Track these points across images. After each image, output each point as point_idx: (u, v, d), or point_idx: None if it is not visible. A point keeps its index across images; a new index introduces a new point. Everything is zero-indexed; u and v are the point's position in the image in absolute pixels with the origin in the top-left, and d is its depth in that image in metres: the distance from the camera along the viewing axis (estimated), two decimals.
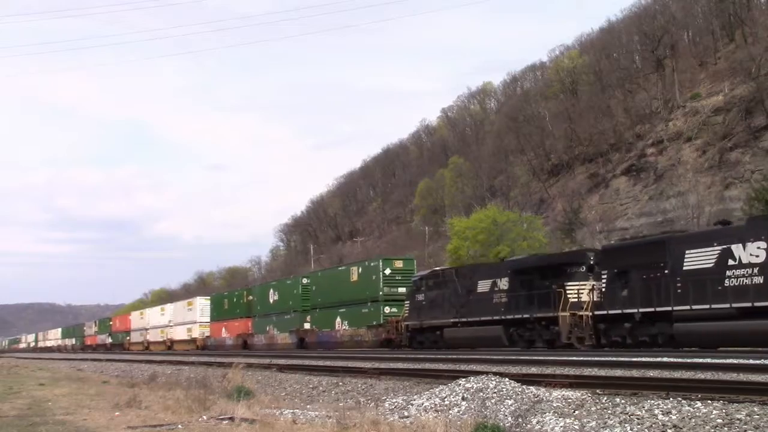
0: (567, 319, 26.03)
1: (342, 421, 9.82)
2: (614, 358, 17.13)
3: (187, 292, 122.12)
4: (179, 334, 66.82)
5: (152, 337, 74.10)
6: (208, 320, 61.75)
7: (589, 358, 17.66)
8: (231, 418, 10.58)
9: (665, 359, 16.23)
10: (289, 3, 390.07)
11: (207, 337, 60.71)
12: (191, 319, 64.53)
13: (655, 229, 47.25)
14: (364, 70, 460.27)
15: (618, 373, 13.86)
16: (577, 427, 9.33)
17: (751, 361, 14.31)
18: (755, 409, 8.78)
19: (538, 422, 9.76)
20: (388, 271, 38.14)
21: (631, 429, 8.89)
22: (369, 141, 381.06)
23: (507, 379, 12.29)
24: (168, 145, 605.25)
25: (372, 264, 39.68)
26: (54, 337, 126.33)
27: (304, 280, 47.13)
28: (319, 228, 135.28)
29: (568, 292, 26.43)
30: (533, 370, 15.32)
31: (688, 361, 15.20)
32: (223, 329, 57.99)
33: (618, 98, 78.94)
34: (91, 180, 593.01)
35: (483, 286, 30.40)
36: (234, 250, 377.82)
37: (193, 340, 62.79)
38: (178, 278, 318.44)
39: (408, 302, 34.89)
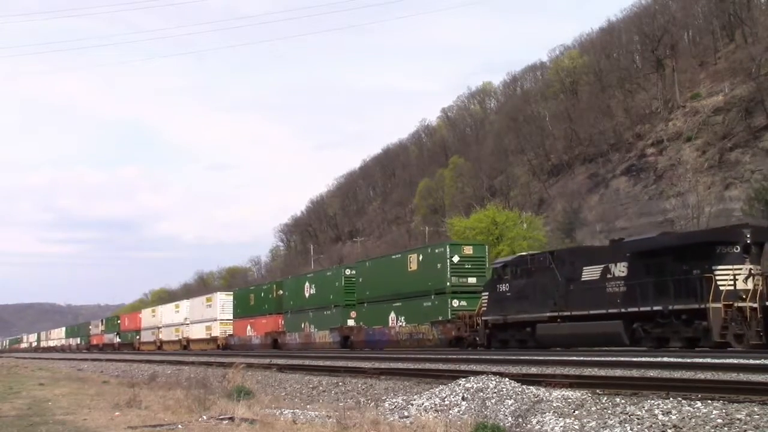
0: (721, 312, 21.18)
1: (342, 421, 9.82)
2: (614, 358, 17.13)
3: (187, 292, 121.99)
4: (197, 332, 62.86)
5: (166, 336, 70.34)
6: (230, 317, 57.33)
7: (589, 358, 17.66)
8: (231, 418, 10.58)
9: (665, 359, 16.23)
10: (290, 3, 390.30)
11: (230, 335, 56.62)
12: (210, 317, 60.32)
13: (656, 230, 47.19)
14: (364, 70, 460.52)
15: (618, 373, 13.86)
16: (577, 427, 9.33)
17: (751, 361, 14.30)
18: (755, 409, 8.77)
19: (538, 422, 9.76)
20: (456, 259, 32.96)
21: (631, 429, 8.89)
22: (369, 141, 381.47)
23: (507, 379, 12.29)
24: (169, 145, 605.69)
25: (437, 250, 34.22)
26: (57, 336, 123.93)
27: (348, 271, 42.23)
28: (319, 228, 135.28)
29: (719, 278, 21.51)
30: (533, 370, 15.32)
31: (688, 361, 15.20)
32: (249, 327, 53.39)
33: (618, 98, 78.99)
34: (92, 180, 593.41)
35: (590, 272, 25.35)
36: (234, 250, 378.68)
37: (213, 339, 58.88)
38: (178, 278, 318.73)
39: (486, 294, 29.81)
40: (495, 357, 21.14)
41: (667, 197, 61.18)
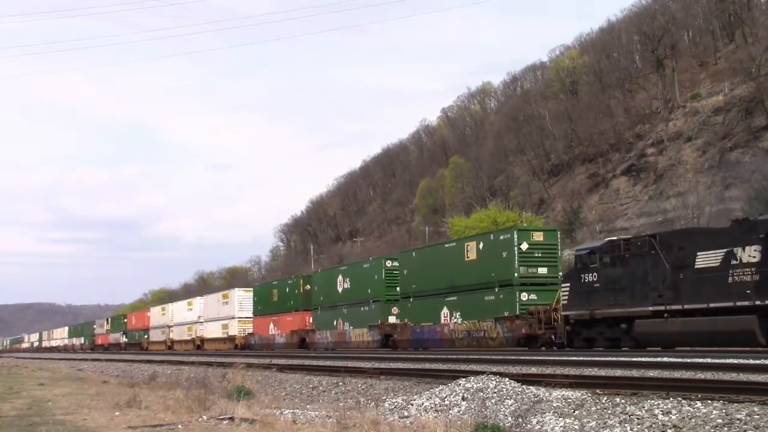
0: None
1: (342, 421, 9.82)
2: (614, 358, 17.14)
3: (187, 292, 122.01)
4: (212, 331, 59.26)
5: (177, 335, 67.02)
6: (250, 315, 53.60)
7: (589, 358, 17.66)
8: (231, 418, 10.58)
9: (665, 359, 16.23)
10: (291, 3, 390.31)
11: (249, 334, 52.69)
12: (227, 314, 56.53)
13: (656, 230, 47.20)
14: (364, 70, 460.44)
15: (618, 373, 13.86)
16: (577, 427, 9.33)
17: (751, 361, 14.30)
18: (755, 409, 8.78)
19: (538, 422, 9.76)
20: (525, 246, 29.00)
21: (631, 429, 8.89)
22: (369, 141, 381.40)
23: (507, 379, 12.29)
24: (170, 145, 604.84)
25: (502, 237, 30.18)
26: (60, 336, 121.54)
27: (389, 263, 38.14)
28: (319, 228, 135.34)
29: None
30: (533, 370, 15.32)
31: (688, 361, 15.20)
32: (271, 325, 49.26)
33: (618, 98, 79.01)
34: (94, 180, 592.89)
35: (708, 258, 21.67)
36: (235, 250, 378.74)
37: (230, 339, 55.35)
38: (178, 278, 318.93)
39: (567, 285, 25.97)
40: (495, 357, 21.15)
41: (667, 197, 61.17)
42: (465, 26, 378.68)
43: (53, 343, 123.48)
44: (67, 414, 12.20)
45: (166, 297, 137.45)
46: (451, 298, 32.45)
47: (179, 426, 10.32)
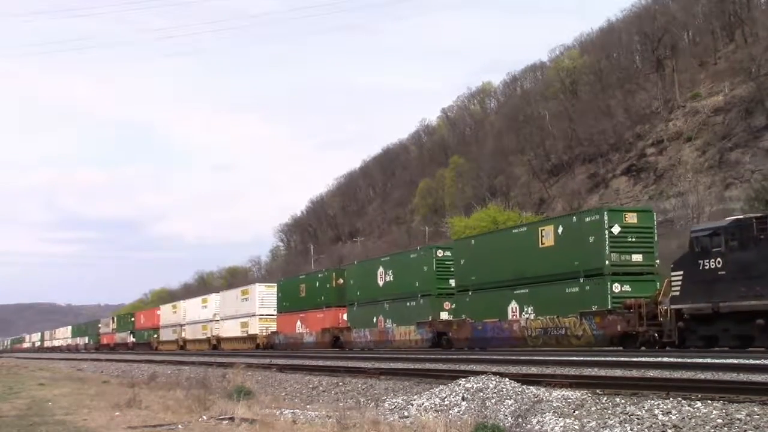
0: None
1: (342, 421, 9.82)
2: (614, 358, 17.14)
3: (187, 292, 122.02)
4: (230, 330, 55.78)
5: (191, 334, 63.75)
6: (273, 312, 50.10)
7: (589, 358, 17.66)
8: (231, 418, 10.58)
9: (665, 359, 16.23)
10: (292, 3, 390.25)
11: (273, 333, 49.26)
12: (247, 312, 52.83)
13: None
14: (365, 70, 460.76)
15: (618, 373, 13.86)
16: (577, 427, 9.33)
17: (751, 361, 14.31)
18: (755, 409, 8.78)
19: (538, 422, 9.76)
20: (616, 229, 25.13)
21: (631, 429, 8.89)
22: (369, 141, 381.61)
23: (507, 379, 12.30)
24: (171, 145, 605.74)
25: (588, 219, 26.12)
26: (63, 335, 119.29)
27: (440, 252, 34.40)
28: (319, 228, 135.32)
29: None
30: (533, 370, 15.32)
31: (688, 361, 15.20)
32: (299, 323, 45.82)
33: (618, 98, 78.97)
34: (94, 180, 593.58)
35: None
36: (236, 250, 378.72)
37: (250, 338, 51.91)
38: (178, 278, 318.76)
39: (680, 273, 22.09)
40: (495, 357, 21.15)
41: (667, 197, 61.16)
42: (465, 26, 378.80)
43: (56, 343, 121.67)
44: (67, 414, 12.20)
45: (166, 297, 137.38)
46: (521, 291, 28.51)
47: (179, 426, 10.31)
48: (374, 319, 38.12)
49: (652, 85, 77.08)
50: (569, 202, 72.06)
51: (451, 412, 10.93)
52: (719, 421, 8.49)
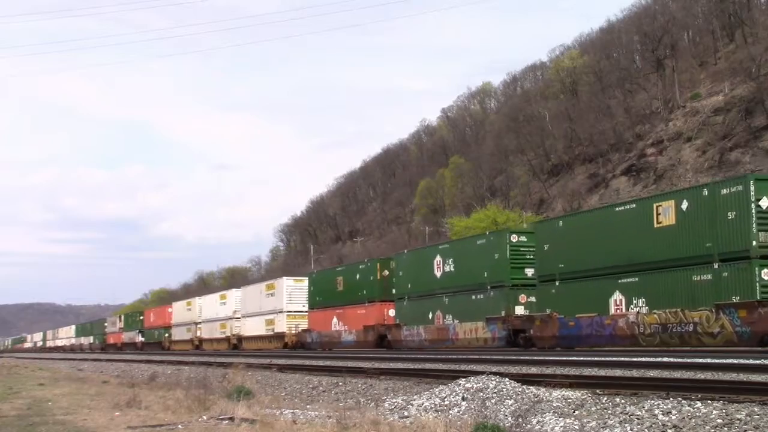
0: None
1: (342, 421, 9.82)
2: (614, 358, 17.14)
3: (187, 293, 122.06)
4: (252, 328, 52.04)
5: (207, 333, 60.51)
6: (304, 308, 46.63)
7: (589, 358, 17.67)
8: (231, 418, 10.58)
9: (665, 359, 16.24)
10: (293, 3, 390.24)
11: (304, 331, 45.62)
12: (273, 308, 49.07)
13: None
14: (365, 70, 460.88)
15: (618, 373, 13.86)
16: (577, 427, 9.33)
17: (751, 361, 14.31)
18: (755, 409, 8.78)
19: (538, 422, 9.76)
20: (765, 203, 20.87)
21: (631, 429, 8.89)
22: (369, 141, 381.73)
23: (507, 379, 12.29)
24: (171, 145, 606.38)
25: (725, 191, 21.62)
26: (66, 335, 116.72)
27: (515, 237, 30.23)
28: (319, 228, 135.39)
29: None
30: (533, 370, 15.32)
31: (688, 361, 15.21)
32: (335, 320, 42.26)
33: (618, 98, 79.00)
34: (96, 180, 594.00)
35: None
36: (236, 250, 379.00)
37: (277, 337, 48.19)
38: (179, 278, 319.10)
39: None
40: (495, 357, 21.15)
41: None
42: (465, 26, 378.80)
43: (58, 343, 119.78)
44: (67, 414, 12.20)
45: (166, 297, 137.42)
46: (629, 280, 24.28)
47: (179, 426, 10.32)
48: (430, 315, 34.03)
49: (652, 85, 77.09)
50: (569, 202, 72.09)
51: (451, 412, 10.93)
52: (719, 421, 8.49)
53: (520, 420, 9.61)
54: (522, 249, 29.77)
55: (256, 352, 45.31)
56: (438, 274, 33.93)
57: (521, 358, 19.14)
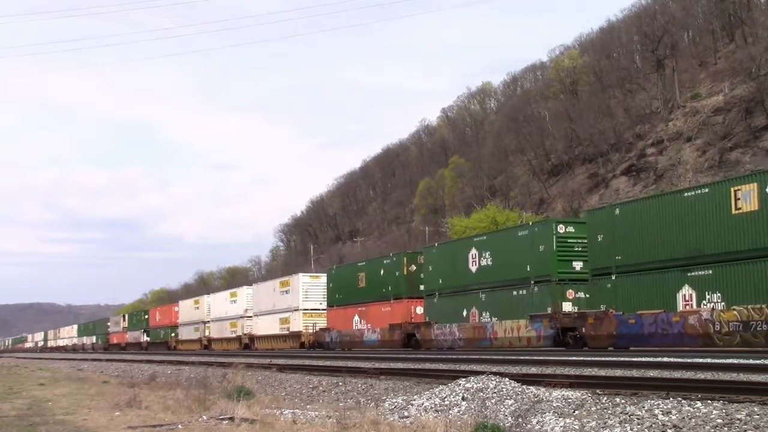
0: None
1: (342, 421, 9.82)
2: (614, 358, 17.14)
3: (187, 293, 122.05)
4: (266, 327, 50.10)
5: (216, 332, 58.93)
6: (320, 306, 44.82)
7: (589, 358, 17.66)
8: (231, 418, 10.58)
9: (665, 359, 16.24)
10: (293, 3, 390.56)
11: (322, 330, 43.53)
12: (288, 306, 47.15)
13: None
14: (365, 70, 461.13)
15: (618, 373, 13.86)
16: (577, 427, 9.33)
17: (751, 361, 14.31)
18: (755, 409, 8.78)
19: (538, 422, 9.76)
20: None
21: (631, 429, 8.89)
22: (369, 141, 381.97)
23: (507, 379, 12.29)
24: (172, 145, 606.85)
25: None
26: (68, 335, 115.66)
27: (562, 227, 27.98)
28: (319, 228, 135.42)
29: None
30: (533, 370, 15.32)
31: (688, 361, 15.21)
32: (357, 318, 40.14)
33: (618, 98, 79.00)
34: (95, 180, 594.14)
35: None
36: (237, 250, 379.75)
37: (293, 336, 46.36)
38: (179, 278, 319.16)
39: None
40: (495, 357, 21.15)
41: None
42: (465, 26, 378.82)
43: (60, 343, 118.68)
44: (67, 414, 12.20)
45: (165, 297, 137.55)
46: (701, 273, 22.07)
47: (179, 426, 10.32)
48: (464, 313, 31.74)
49: (652, 85, 77.08)
50: (569, 202, 72.09)
51: (451, 412, 10.93)
52: (719, 421, 8.49)
53: (520, 420, 9.61)
54: (569, 240, 27.60)
55: (255, 352, 45.28)
56: (473, 268, 31.58)
57: (521, 358, 19.14)
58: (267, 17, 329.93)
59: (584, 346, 25.48)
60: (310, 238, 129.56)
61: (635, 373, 13.46)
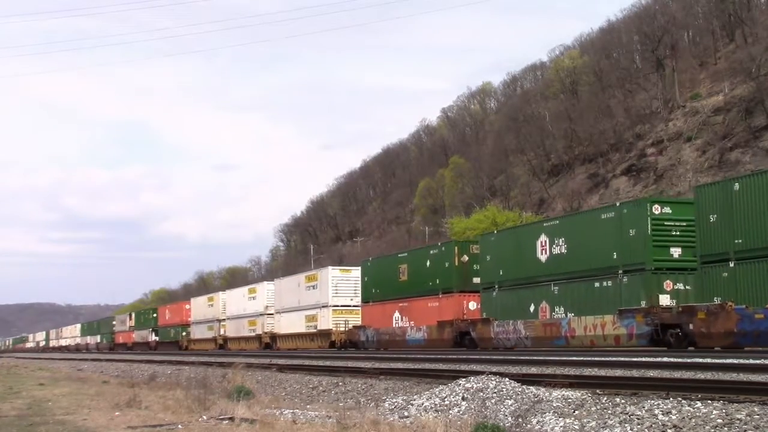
0: None
1: (342, 421, 9.82)
2: (614, 358, 17.14)
3: (187, 293, 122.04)
4: (290, 325, 47.07)
5: (234, 331, 56.07)
6: (352, 302, 42.14)
7: (589, 358, 17.66)
8: (231, 418, 10.58)
9: (665, 359, 16.23)
10: (294, 2, 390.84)
11: (356, 328, 40.23)
12: (315, 302, 44.01)
13: None
14: (365, 70, 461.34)
15: (618, 373, 13.86)
16: (577, 427, 9.33)
17: (751, 361, 14.30)
18: (755, 409, 8.78)
19: (538, 422, 9.76)
20: None
21: (631, 429, 8.89)
22: (369, 141, 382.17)
23: (507, 379, 12.29)
24: (173, 146, 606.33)
25: None
26: (71, 334, 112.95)
27: (657, 208, 24.10)
28: (319, 228, 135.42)
29: None
30: (533, 370, 15.32)
31: (688, 361, 15.20)
32: (397, 314, 36.76)
33: (618, 98, 78.99)
34: (96, 180, 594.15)
35: None
36: (236, 251, 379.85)
37: (321, 335, 43.44)
38: (179, 278, 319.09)
39: None
40: (495, 357, 21.14)
41: (667, 197, 61.24)
42: (465, 26, 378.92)
43: (63, 343, 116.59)
44: (67, 414, 12.20)
45: (165, 297, 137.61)
46: None
47: (179, 426, 10.31)
48: (531, 308, 28.25)
49: (652, 85, 77.08)
50: (569, 202, 72.08)
51: (451, 412, 10.93)
52: (719, 421, 8.49)
53: (520, 420, 9.61)
54: (667, 223, 23.89)
55: (253, 351, 44.95)
56: (543, 257, 27.98)
57: (521, 358, 19.13)
58: (267, 17, 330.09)
59: (690, 345, 22.04)
60: (310, 238, 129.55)
61: (635, 373, 13.45)
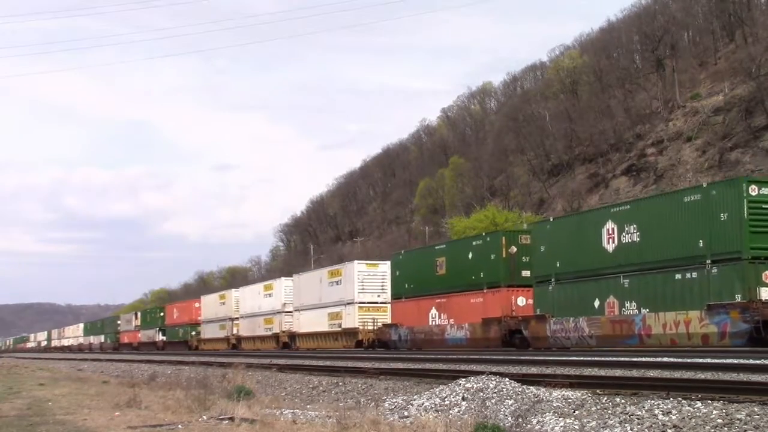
0: None
1: (342, 421, 9.82)
2: (614, 358, 17.14)
3: (187, 293, 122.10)
4: (310, 323, 44.53)
5: (248, 329, 53.68)
6: (380, 299, 39.73)
7: (589, 358, 17.66)
8: (231, 418, 10.58)
9: (665, 359, 16.23)
10: (294, 2, 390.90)
11: (386, 326, 37.28)
12: (340, 299, 41.48)
13: None
14: (365, 71, 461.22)
15: (618, 373, 13.86)
16: (577, 427, 9.33)
17: (751, 361, 14.29)
18: (755, 409, 8.77)
19: (538, 422, 9.76)
20: None
21: (631, 429, 8.89)
22: (369, 141, 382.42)
23: (507, 379, 12.29)
24: (173, 145, 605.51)
25: None
26: (73, 334, 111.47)
27: (754, 188, 21.11)
28: (319, 228, 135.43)
29: None
30: (533, 370, 15.32)
31: (688, 361, 15.20)
32: (434, 311, 33.78)
33: (618, 98, 78.97)
34: (96, 180, 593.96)
35: None
36: (236, 250, 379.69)
37: (346, 334, 40.87)
38: (180, 278, 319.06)
39: None
40: (495, 357, 21.13)
41: None
42: (465, 26, 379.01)
43: (65, 343, 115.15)
44: (67, 414, 12.20)
45: (165, 297, 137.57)
46: None
47: (179, 426, 10.32)
48: (596, 303, 25.24)
49: (652, 85, 77.10)
50: (569, 202, 72.08)
51: (451, 412, 10.93)
52: (719, 421, 8.49)
53: (520, 420, 9.62)
54: (765, 206, 20.97)
55: (255, 351, 44.75)
56: (610, 246, 24.94)
57: (521, 358, 19.13)
58: (267, 17, 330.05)
59: None
60: (310, 238, 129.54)
61: (635, 373, 13.45)
